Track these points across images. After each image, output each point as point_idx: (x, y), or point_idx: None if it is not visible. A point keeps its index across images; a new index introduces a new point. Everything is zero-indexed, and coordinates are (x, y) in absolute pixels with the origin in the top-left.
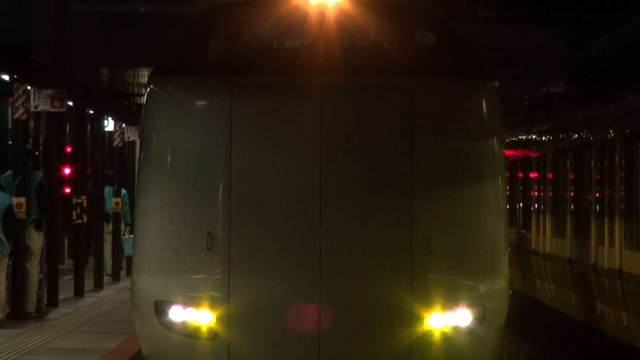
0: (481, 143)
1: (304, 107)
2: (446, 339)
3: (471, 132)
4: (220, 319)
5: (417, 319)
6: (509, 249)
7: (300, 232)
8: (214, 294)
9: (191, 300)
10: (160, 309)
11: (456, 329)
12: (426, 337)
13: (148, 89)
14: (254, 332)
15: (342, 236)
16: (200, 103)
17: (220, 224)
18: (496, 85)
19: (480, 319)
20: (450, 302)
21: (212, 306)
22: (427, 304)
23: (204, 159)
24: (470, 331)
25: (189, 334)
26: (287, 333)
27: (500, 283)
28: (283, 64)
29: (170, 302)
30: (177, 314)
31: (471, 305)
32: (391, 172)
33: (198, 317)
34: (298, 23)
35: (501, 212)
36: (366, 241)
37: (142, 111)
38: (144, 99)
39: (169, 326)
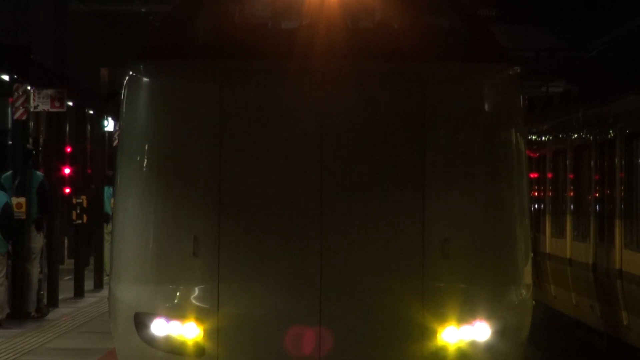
0: (501, 136)
1: (303, 96)
2: (462, 355)
3: (490, 124)
4: (208, 333)
5: (430, 333)
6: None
7: (299, 235)
8: (201, 305)
9: (175, 312)
10: (140, 322)
11: (473, 344)
12: (440, 354)
13: (127, 76)
14: (246, 348)
15: (345, 240)
16: (187, 91)
17: (209, 227)
18: (518, 70)
19: (500, 333)
20: (467, 314)
21: (199, 319)
22: (441, 316)
23: (190, 154)
24: (489, 347)
25: (173, 350)
26: (283, 349)
27: (522, 293)
28: (279, 48)
29: (152, 315)
30: (160, 327)
31: (490, 317)
32: (400, 168)
33: (183, 331)
34: (296, 1)
35: (524, 212)
36: (372, 245)
37: (121, 101)
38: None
39: (151, 341)
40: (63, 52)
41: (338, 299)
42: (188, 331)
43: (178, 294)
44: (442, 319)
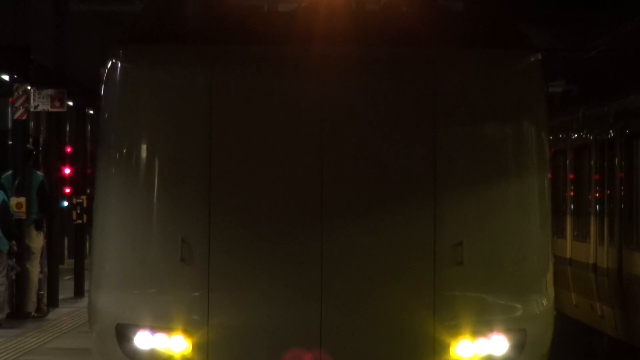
0: (521, 129)
1: (301, 85)
2: None
3: (509, 116)
4: (197, 347)
5: (442, 347)
6: None
7: (297, 238)
8: (190, 315)
9: (161, 324)
10: (123, 334)
11: (490, 359)
12: None
13: (108, 63)
14: None
15: (348, 244)
16: (173, 79)
17: (198, 229)
18: (539, 58)
19: (519, 346)
20: (483, 326)
21: (188, 331)
22: (454, 328)
23: (177, 149)
24: None
25: None
26: None
27: (543, 302)
28: (276, 32)
29: (135, 326)
30: (144, 340)
31: (508, 330)
32: (409, 165)
33: (170, 344)
34: None
35: (545, 213)
36: (378, 250)
37: (101, 91)
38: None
39: (134, 355)
40: (63, 52)
41: (340, 310)
42: (175, 344)
43: (164, 303)
44: (455, 331)
